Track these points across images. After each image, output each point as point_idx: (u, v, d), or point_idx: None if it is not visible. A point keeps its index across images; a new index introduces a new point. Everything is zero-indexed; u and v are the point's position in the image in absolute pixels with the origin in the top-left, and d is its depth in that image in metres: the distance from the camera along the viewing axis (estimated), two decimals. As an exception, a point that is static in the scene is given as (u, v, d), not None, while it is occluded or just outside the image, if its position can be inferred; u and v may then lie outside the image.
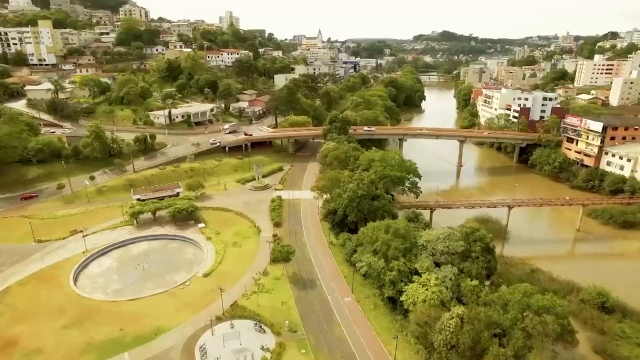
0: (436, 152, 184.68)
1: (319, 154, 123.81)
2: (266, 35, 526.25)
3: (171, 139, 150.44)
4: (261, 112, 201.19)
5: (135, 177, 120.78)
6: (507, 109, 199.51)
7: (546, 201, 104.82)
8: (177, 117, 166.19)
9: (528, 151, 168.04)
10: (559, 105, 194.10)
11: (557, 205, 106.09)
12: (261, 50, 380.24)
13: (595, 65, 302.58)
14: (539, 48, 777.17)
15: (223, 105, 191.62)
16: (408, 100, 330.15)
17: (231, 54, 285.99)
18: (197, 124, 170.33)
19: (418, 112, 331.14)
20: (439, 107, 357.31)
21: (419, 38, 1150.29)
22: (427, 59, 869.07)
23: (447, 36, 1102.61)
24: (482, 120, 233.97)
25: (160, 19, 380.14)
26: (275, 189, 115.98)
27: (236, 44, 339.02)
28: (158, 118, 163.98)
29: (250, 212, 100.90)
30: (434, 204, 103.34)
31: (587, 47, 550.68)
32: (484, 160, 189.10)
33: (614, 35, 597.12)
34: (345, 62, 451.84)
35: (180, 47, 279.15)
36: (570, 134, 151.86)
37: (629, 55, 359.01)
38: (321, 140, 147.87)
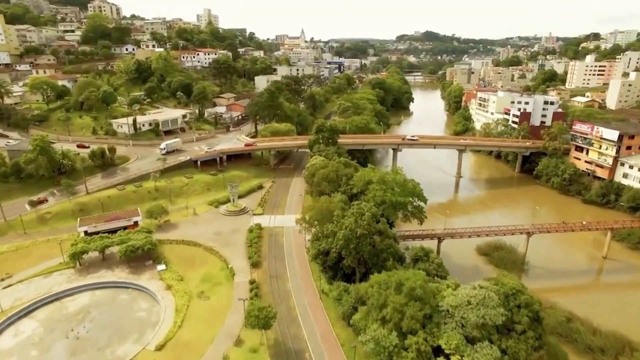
0: (432, 161, 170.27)
1: (305, 170, 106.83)
2: (247, 34, 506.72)
3: (135, 151, 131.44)
4: (240, 117, 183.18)
5: (87, 201, 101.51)
6: (506, 114, 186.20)
7: (570, 226, 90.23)
8: (143, 125, 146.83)
9: (532, 160, 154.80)
10: (560, 110, 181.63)
11: (583, 230, 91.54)
12: (241, 50, 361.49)
13: (587, 66, 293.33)
14: (522, 49, 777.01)
15: (197, 111, 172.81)
16: (396, 103, 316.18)
17: (208, 54, 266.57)
18: (167, 132, 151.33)
19: (406, 114, 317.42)
20: (426, 108, 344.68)
21: (402, 38, 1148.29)
22: (411, 59, 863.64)
23: (430, 36, 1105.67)
24: (477, 125, 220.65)
25: (133, 17, 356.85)
26: (254, 214, 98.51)
27: (214, 44, 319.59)
28: (121, 127, 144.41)
29: (223, 245, 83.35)
30: (442, 232, 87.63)
31: (571, 48, 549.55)
32: (483, 169, 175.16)
33: (596, 36, 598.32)
34: (329, 63, 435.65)
35: (153, 46, 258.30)
36: (580, 142, 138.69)
37: (618, 57, 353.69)
38: (306, 149, 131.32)
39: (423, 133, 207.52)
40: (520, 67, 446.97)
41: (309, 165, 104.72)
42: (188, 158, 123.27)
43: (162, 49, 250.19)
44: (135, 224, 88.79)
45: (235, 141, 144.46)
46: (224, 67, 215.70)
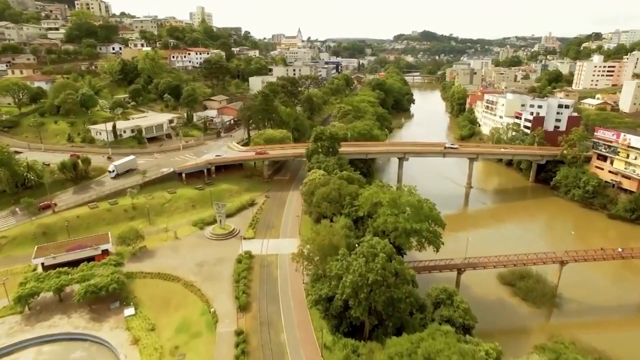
0: (439, 169, 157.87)
1: (303, 186, 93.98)
2: (242, 33, 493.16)
3: (115, 161, 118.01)
4: (232, 122, 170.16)
5: (52, 222, 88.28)
6: (517, 118, 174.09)
7: (611, 254, 77.85)
8: (124, 131, 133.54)
9: (547, 169, 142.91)
10: (575, 114, 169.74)
11: (626, 258, 79.24)
12: (236, 49, 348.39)
13: (595, 67, 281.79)
14: (522, 49, 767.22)
15: (185, 115, 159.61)
16: (396, 104, 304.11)
17: (200, 54, 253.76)
18: (152, 139, 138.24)
19: (407, 116, 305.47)
20: (427, 110, 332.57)
21: (399, 38, 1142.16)
22: (409, 59, 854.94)
23: (427, 36, 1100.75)
24: (483, 129, 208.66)
25: (123, 15, 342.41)
26: (244, 238, 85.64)
27: (207, 43, 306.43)
28: (100, 133, 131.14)
29: (206, 280, 70.53)
30: (462, 262, 75.13)
31: (573, 48, 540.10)
32: (493, 178, 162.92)
33: (597, 36, 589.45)
34: (327, 63, 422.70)
35: (142, 45, 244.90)
36: (603, 150, 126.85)
37: (625, 57, 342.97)
38: (303, 158, 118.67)
39: (427, 139, 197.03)
40: (522, 67, 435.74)
41: (307, 181, 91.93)
42: (171, 170, 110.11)
43: (149, 48, 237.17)
44: (105, 253, 75.76)
45: (226, 149, 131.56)
46: (216, 67, 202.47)
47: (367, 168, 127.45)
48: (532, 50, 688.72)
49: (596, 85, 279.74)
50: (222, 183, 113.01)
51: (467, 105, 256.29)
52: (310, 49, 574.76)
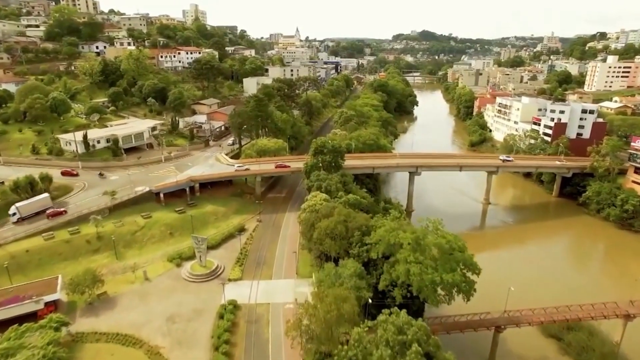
0: (452, 182, 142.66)
1: (301, 213, 78.21)
2: (238, 32, 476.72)
3: (84, 179, 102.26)
4: (223, 128, 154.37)
5: (-4, 257, 72.38)
6: (535, 124, 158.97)
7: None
8: (97, 141, 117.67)
9: (573, 182, 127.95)
10: (600, 120, 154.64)
11: None
12: (231, 49, 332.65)
13: (610, 67, 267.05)
14: (523, 48, 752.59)
15: (171, 121, 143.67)
16: (399, 107, 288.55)
17: (191, 53, 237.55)
18: (130, 150, 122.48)
19: (410, 119, 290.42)
20: (429, 112, 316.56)
21: (398, 37, 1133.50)
22: (408, 58, 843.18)
23: (426, 36, 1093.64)
24: (496, 135, 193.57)
25: (112, 12, 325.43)
26: (229, 279, 69.92)
27: (200, 42, 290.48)
28: (69, 144, 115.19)
29: (177, 345, 54.80)
30: (501, 318, 59.63)
31: (578, 47, 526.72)
32: (512, 192, 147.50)
33: (602, 35, 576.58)
34: (326, 63, 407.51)
35: (129, 44, 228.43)
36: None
37: (637, 57, 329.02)
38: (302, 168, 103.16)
39: (439, 148, 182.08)
40: (528, 68, 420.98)
41: (306, 207, 76.24)
42: (147, 189, 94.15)
43: (133, 47, 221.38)
44: (51, 306, 59.93)
45: (213, 162, 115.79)
46: (206, 67, 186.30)
47: (373, 183, 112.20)
48: (535, 50, 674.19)
49: (610, 87, 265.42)
50: (207, 203, 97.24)
51: (476, 109, 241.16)
52: (308, 49, 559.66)
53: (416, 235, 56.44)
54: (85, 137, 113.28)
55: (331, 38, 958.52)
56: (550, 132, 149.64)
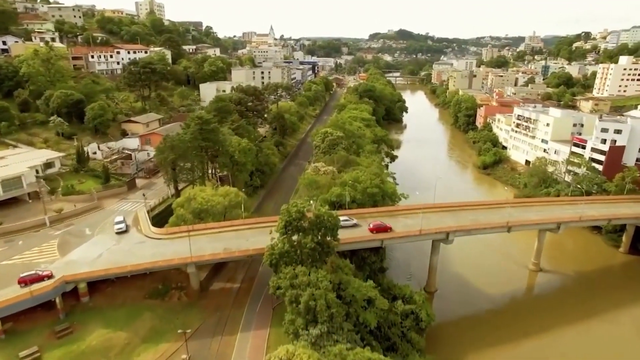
0: (484, 238, 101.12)
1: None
2: (204, 29, 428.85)
3: None
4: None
5: None
6: (578, 145, 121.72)
7: None
8: None
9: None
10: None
11: None
12: (192, 47, 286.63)
13: (625, 70, 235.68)
14: (506, 48, 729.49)
15: (76, 153, 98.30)
16: (387, 115, 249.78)
17: (135, 52, 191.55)
18: (2, 203, 77.70)
19: (399, 128, 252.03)
20: (417, 118, 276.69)
21: (375, 36, 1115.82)
22: (387, 57, 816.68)
23: (403, 35, 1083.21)
24: (513, 155, 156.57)
25: (43, 1, 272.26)
26: None
27: (154, 39, 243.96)
28: None
29: None
30: None
31: (564, 47, 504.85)
32: (564, 248, 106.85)
33: (587, 35, 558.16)
34: (302, 63, 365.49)
35: (52, 40, 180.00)
36: None
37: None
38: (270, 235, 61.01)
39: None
40: (522, 69, 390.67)
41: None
42: (-30, 311, 50.26)
43: (63, 45, 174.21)
44: None
45: (126, 228, 71.74)
46: (145, 72, 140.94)
47: (380, 259, 71.21)
48: (518, 50, 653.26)
49: (625, 91, 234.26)
50: (95, 323, 53.81)
51: (480, 118, 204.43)
52: (283, 48, 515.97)
53: None
54: None
55: (307, 37, 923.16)
56: (601, 157, 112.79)
